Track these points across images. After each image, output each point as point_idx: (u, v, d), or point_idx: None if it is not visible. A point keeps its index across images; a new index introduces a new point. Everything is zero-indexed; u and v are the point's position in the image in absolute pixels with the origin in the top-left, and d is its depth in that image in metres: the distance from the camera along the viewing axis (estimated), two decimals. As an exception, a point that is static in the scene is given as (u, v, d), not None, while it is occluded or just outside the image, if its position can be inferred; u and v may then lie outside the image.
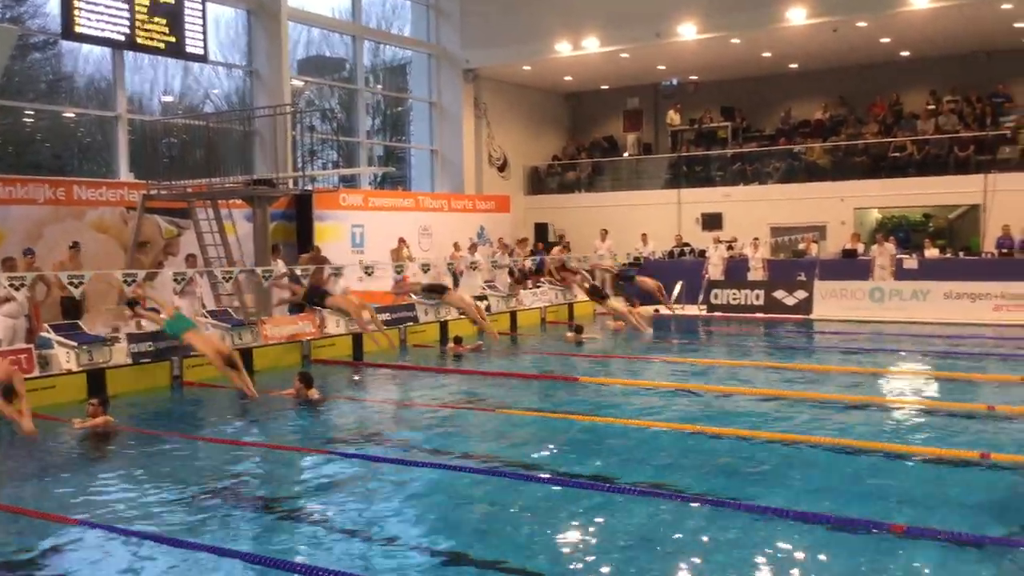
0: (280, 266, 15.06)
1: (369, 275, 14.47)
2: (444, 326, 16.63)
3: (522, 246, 23.22)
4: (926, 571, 5.13)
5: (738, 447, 8.01)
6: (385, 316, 15.92)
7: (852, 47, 22.94)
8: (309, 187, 18.37)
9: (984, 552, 5.35)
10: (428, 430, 9.05)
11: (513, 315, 18.89)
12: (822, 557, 5.37)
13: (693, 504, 6.36)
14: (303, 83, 23.08)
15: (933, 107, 24.01)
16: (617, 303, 17.94)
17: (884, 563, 5.21)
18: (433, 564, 5.43)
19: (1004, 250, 19.99)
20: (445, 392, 10.91)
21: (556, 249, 23.51)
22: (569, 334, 16.32)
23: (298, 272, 14.24)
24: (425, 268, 15.51)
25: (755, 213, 23.95)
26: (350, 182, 22.67)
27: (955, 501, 6.40)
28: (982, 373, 11.92)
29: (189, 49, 17.53)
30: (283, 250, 16.85)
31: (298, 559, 5.53)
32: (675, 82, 27.86)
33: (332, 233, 19.20)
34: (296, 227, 18.92)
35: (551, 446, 8.24)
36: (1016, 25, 21.10)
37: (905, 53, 23.82)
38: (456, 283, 19.88)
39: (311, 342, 14.35)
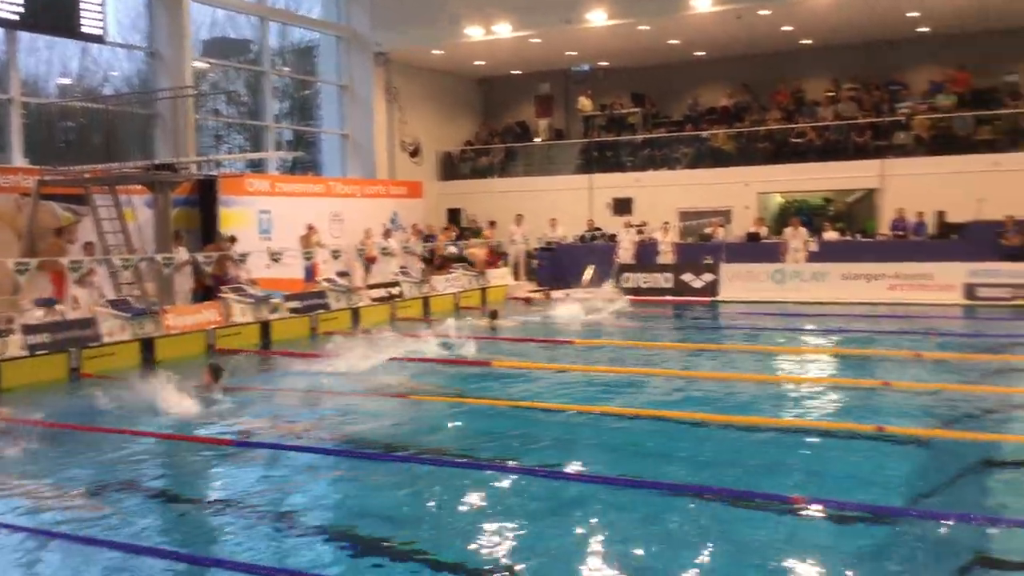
0: (182, 253, 14.67)
1: (276, 262, 14.22)
2: (356, 313, 16.48)
3: (447, 234, 23.31)
4: (823, 541, 5.33)
5: (645, 427, 8.17)
6: (295, 304, 15.70)
7: (756, 35, 23.48)
8: (213, 172, 17.90)
9: (880, 522, 5.58)
10: (338, 418, 8.96)
11: (426, 301, 18.84)
12: (723, 529, 5.52)
13: (600, 483, 6.46)
14: (207, 65, 22.46)
15: (833, 94, 24.79)
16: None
17: (783, 533, 5.39)
18: (345, 552, 5.40)
19: (898, 232, 20.81)
20: (356, 380, 10.80)
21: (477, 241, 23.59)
22: (483, 319, 16.36)
23: (200, 259, 13.90)
24: (335, 255, 15.32)
25: (664, 198, 24.38)
26: (257, 167, 22.20)
27: (852, 473, 6.66)
28: (878, 349, 12.41)
29: (86, 29, 16.78)
30: (186, 237, 16.41)
31: (206, 552, 5.43)
32: (586, 68, 28.08)
33: (238, 219, 18.74)
34: (200, 213, 18.42)
35: (463, 431, 8.26)
36: (909, 14, 21.94)
37: (807, 41, 24.51)
38: (368, 270, 19.73)
39: (216, 330, 14.04)
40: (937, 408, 8.60)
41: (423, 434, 8.17)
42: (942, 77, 23.72)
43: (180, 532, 5.89)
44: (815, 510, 5.71)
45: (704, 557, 5.09)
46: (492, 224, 25.12)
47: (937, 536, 5.31)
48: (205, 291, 15.51)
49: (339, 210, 21.81)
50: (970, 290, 17.70)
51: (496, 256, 23.43)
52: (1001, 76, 23.27)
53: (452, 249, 22.61)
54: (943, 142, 22.35)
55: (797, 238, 20.24)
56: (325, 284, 16.85)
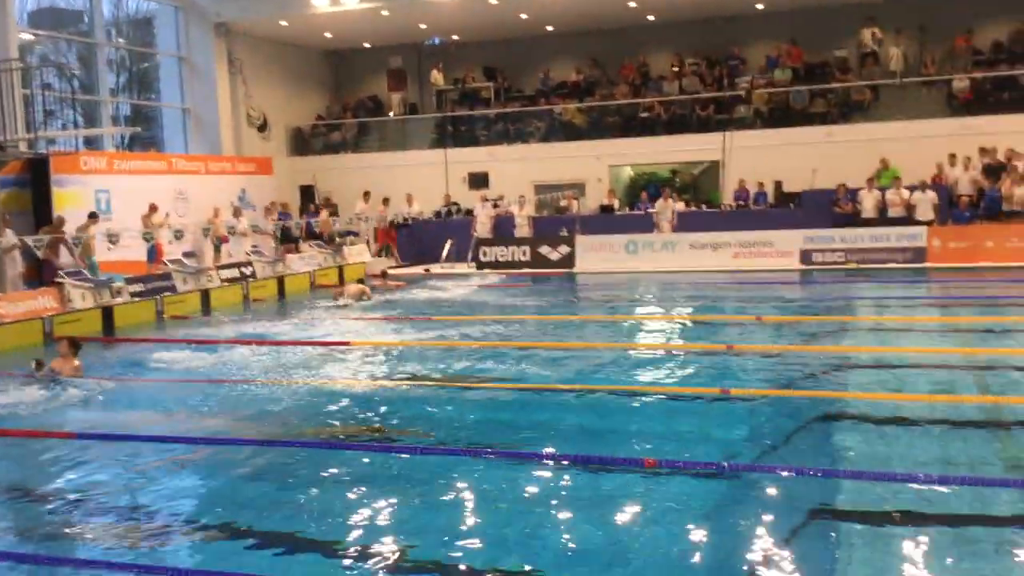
0: (9, 236, 13.71)
1: (115, 244, 13.49)
2: (206, 295, 15.90)
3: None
4: (676, 501, 5.53)
5: (505, 398, 8.25)
6: (138, 287, 14.97)
7: (603, 10, 23.90)
8: (44, 150, 16.77)
9: (729, 479, 5.83)
10: (191, 404, 8.62)
11: (280, 280, 18.36)
12: (585, 494, 5.66)
13: (461, 455, 6.48)
14: (33, 37, 20.95)
15: (677, 69, 25.57)
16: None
17: (638, 494, 5.57)
18: (213, 542, 5.20)
19: (740, 202, 21.78)
20: (207, 363, 10.42)
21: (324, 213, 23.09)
22: (339, 298, 16.09)
23: (30, 243, 13.02)
24: (178, 235, 14.69)
25: (519, 172, 24.61)
26: (93, 144, 20.94)
27: (700, 434, 6.95)
28: (722, 315, 12.98)
29: None
30: (12, 219, 15.30)
31: (62, 552, 5.11)
32: (437, 41, 27.88)
33: (73, 200, 17.59)
34: (32, 194, 17.22)
35: (322, 411, 8.12)
36: (748, -8, 22.83)
37: (651, 17, 25.15)
38: (218, 250, 19.02)
39: (53, 318, 13.22)
40: (777, 369, 9.06)
41: (281, 416, 7.96)
42: (777, 52, 24.84)
43: (31, 532, 5.54)
44: (667, 471, 5.93)
45: (565, 522, 5.20)
46: (328, 200, 24.91)
47: (780, 490, 5.61)
48: (41, 276, 14.59)
49: (183, 188, 20.86)
50: (806, 256, 18.74)
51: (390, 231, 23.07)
52: (831, 51, 24.60)
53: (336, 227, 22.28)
54: (780, 115, 23.48)
55: (667, 210, 20.80)
56: (171, 266, 16.16)
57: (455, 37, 27.27)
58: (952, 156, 19.88)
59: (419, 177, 25.02)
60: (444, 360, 10.19)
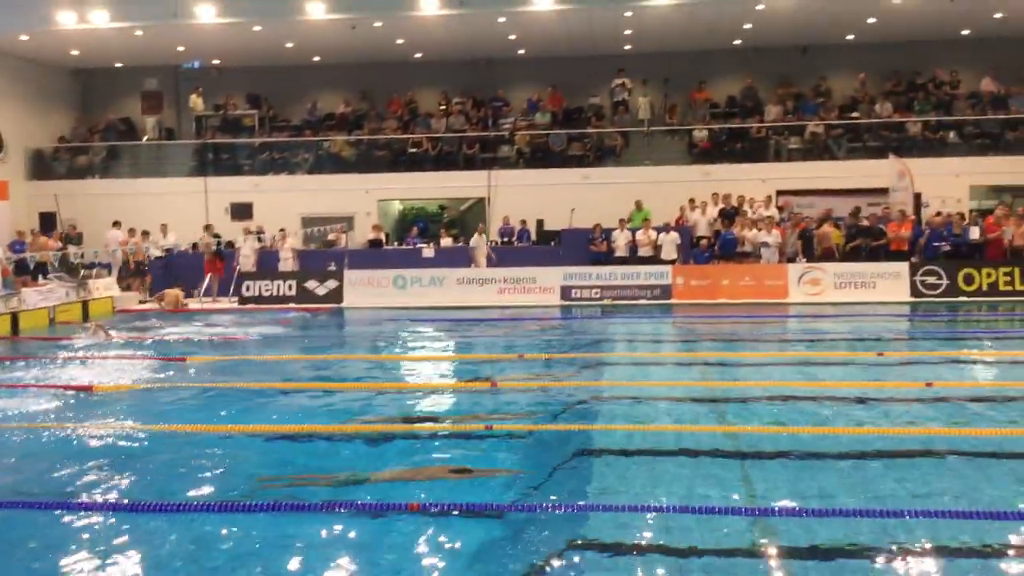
0: None
1: None
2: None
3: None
4: (442, 545, 5.53)
5: (260, 445, 7.93)
6: None
7: (371, 45, 24.00)
8: None
9: (488, 517, 5.91)
10: None
11: (14, 317, 16.72)
12: (348, 541, 5.53)
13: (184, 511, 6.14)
14: None
15: (444, 107, 26.11)
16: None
17: (403, 539, 5.53)
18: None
19: (505, 239, 22.49)
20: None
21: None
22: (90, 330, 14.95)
23: None
24: None
25: (285, 203, 24.06)
26: None
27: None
28: (487, 353, 13.26)
29: None
30: None
31: None
32: (197, 65, 26.75)
33: None
34: None
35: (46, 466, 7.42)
36: (510, 37, 23.77)
37: (418, 55, 25.54)
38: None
39: None
40: (539, 404, 9.36)
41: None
42: (538, 96, 26.01)
43: None
44: (432, 513, 5.92)
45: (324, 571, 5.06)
46: (73, 228, 23.19)
47: (541, 525, 5.76)
48: None
49: None
50: (566, 292, 19.61)
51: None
52: (587, 98, 26.09)
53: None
54: (541, 156, 24.57)
55: (481, 244, 20.95)
56: None
57: (216, 62, 26.32)
58: (692, 200, 21.63)
59: (176, 206, 23.84)
60: (191, 403, 9.65)
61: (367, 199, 24.39)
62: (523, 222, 22.54)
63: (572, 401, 9.38)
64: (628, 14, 22.30)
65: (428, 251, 21.55)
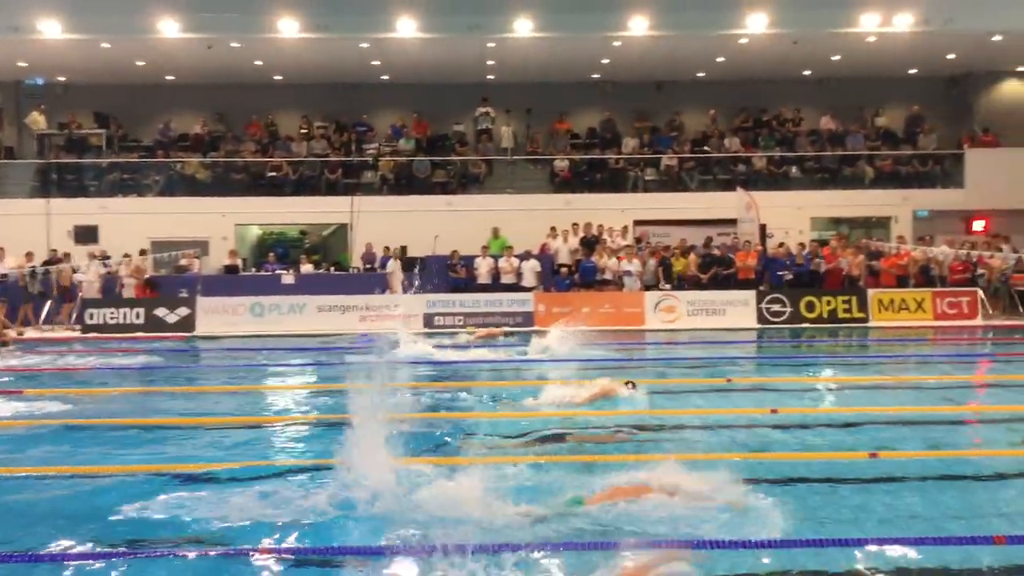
0: None
1: None
2: None
3: None
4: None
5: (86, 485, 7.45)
6: None
7: (228, 65, 23.41)
8: None
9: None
10: None
11: None
12: None
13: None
14: None
15: (306, 131, 25.67)
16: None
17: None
18: None
19: (368, 265, 22.22)
20: None
21: None
22: None
23: None
24: None
25: (135, 227, 23.01)
26: None
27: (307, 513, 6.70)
28: (341, 383, 12.93)
29: None
30: None
31: None
32: (40, 81, 25.36)
33: None
34: None
35: None
36: (373, 63, 23.66)
37: (278, 77, 25.05)
38: None
39: None
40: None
41: None
42: (402, 122, 25.95)
43: None
44: (263, 559, 5.66)
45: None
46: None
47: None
48: None
49: None
50: (429, 319, 19.51)
51: None
52: (451, 125, 26.22)
53: None
54: (405, 182, 24.47)
55: (397, 270, 20.49)
56: None
57: (62, 78, 25.03)
58: (554, 228, 22.01)
59: (15, 228, 22.37)
60: (23, 442, 9.02)
61: (223, 223, 23.62)
62: (387, 248, 22.34)
63: (430, 436, 9.27)
64: (491, 45, 22.62)
65: (288, 277, 21.03)
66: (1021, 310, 19.96)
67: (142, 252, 21.32)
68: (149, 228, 23.21)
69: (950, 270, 20.45)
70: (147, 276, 20.61)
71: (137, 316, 19.36)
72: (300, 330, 18.80)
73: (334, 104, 26.26)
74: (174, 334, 18.86)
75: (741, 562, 5.40)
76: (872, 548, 5.59)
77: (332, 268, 22.88)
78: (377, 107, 26.59)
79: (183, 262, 22.24)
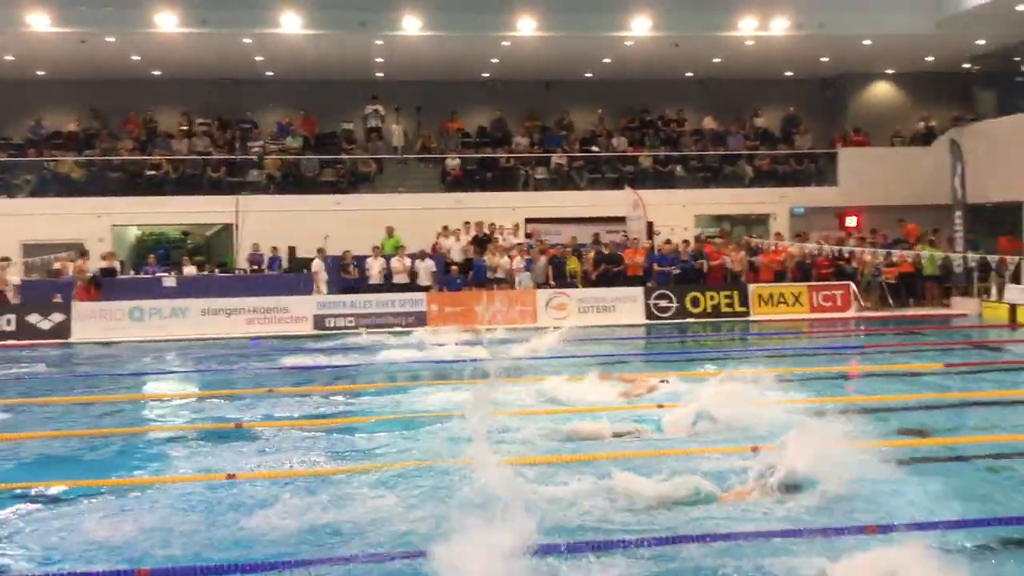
0: None
1: None
2: None
3: None
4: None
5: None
6: None
7: (103, 60, 22.49)
8: None
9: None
10: None
11: None
12: None
13: None
14: None
15: (187, 128, 24.86)
16: None
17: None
18: None
19: (255, 266, 21.69)
20: None
21: None
22: None
23: None
24: None
25: (5, 229, 21.79)
26: None
27: (211, 528, 6.55)
28: (233, 389, 12.62)
29: None
30: None
31: None
32: None
33: None
34: None
35: None
36: (257, 58, 23.10)
37: (156, 72, 24.19)
38: None
39: None
40: (282, 445, 9.01)
41: None
42: (288, 120, 25.44)
43: None
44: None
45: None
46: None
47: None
48: None
49: None
50: (319, 321, 19.21)
51: None
52: (340, 123, 25.86)
53: None
54: (293, 181, 24.00)
55: (321, 271, 19.97)
56: None
57: (-81, 72, 23.53)
58: (445, 228, 21.98)
59: None
60: None
61: (100, 224, 22.65)
62: (274, 249, 21.85)
63: (330, 441, 9.15)
64: (379, 42, 22.40)
65: (169, 280, 20.32)
66: (891, 303, 21.10)
67: (4, 259, 20.12)
68: (20, 230, 22.05)
69: (817, 265, 21.47)
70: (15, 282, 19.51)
71: (8, 323, 18.41)
72: (183, 335, 18.23)
73: (217, 100, 25.53)
74: (48, 341, 18.02)
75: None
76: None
77: (217, 270, 22.22)
78: (262, 104, 25.97)
79: (57, 266, 21.21)
